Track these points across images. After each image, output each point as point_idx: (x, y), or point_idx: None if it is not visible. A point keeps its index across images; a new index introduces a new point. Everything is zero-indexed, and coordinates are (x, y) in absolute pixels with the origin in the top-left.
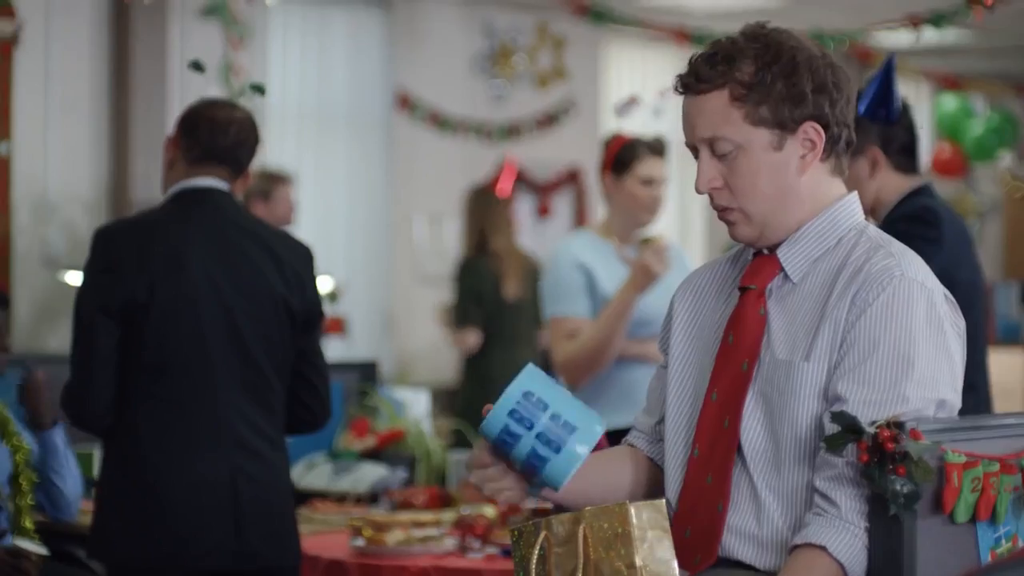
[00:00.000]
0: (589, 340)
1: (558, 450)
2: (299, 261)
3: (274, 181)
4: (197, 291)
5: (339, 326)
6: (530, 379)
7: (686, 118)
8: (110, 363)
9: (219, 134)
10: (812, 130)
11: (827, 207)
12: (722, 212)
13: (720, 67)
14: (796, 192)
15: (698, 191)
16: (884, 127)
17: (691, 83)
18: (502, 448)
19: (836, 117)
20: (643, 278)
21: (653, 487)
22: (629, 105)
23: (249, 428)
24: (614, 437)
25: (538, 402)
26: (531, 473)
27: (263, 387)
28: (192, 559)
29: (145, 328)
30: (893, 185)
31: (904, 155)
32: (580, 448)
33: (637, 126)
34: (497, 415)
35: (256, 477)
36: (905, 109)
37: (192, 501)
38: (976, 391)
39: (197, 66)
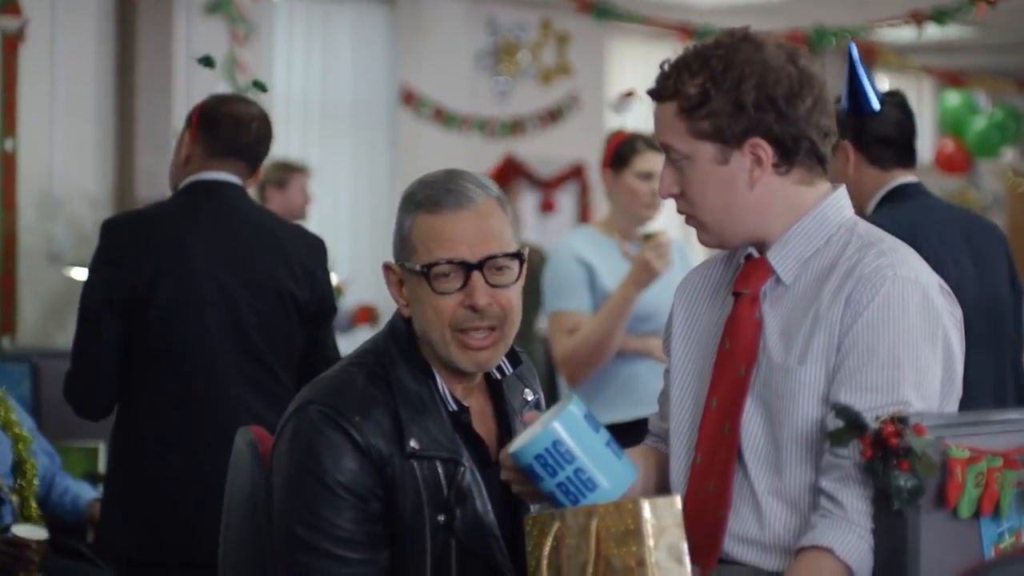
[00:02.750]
0: (589, 335)
1: (576, 501)
2: (309, 254)
3: (289, 171)
4: (200, 284)
5: (368, 315)
6: (566, 425)
7: (653, 121)
8: (114, 353)
9: (243, 131)
10: (758, 146)
11: (811, 209)
12: (685, 219)
13: (671, 79)
14: (749, 205)
15: (660, 196)
16: (856, 119)
17: (652, 91)
18: (528, 475)
19: (787, 130)
20: (643, 274)
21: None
22: (625, 100)
23: (255, 421)
24: (616, 432)
25: (566, 453)
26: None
27: (269, 380)
28: (198, 552)
29: (149, 320)
30: (870, 181)
31: (881, 147)
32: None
33: (640, 122)
34: (525, 453)
35: None
36: (894, 101)
37: (197, 494)
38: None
39: (207, 61)
